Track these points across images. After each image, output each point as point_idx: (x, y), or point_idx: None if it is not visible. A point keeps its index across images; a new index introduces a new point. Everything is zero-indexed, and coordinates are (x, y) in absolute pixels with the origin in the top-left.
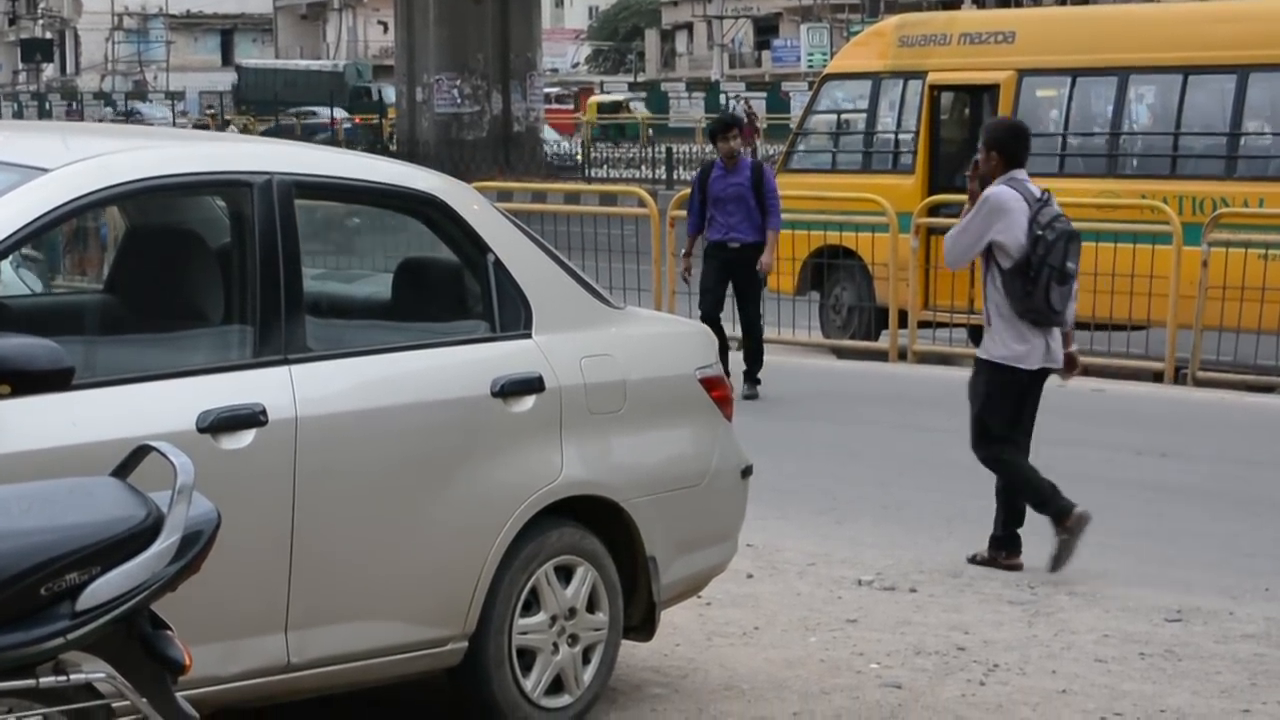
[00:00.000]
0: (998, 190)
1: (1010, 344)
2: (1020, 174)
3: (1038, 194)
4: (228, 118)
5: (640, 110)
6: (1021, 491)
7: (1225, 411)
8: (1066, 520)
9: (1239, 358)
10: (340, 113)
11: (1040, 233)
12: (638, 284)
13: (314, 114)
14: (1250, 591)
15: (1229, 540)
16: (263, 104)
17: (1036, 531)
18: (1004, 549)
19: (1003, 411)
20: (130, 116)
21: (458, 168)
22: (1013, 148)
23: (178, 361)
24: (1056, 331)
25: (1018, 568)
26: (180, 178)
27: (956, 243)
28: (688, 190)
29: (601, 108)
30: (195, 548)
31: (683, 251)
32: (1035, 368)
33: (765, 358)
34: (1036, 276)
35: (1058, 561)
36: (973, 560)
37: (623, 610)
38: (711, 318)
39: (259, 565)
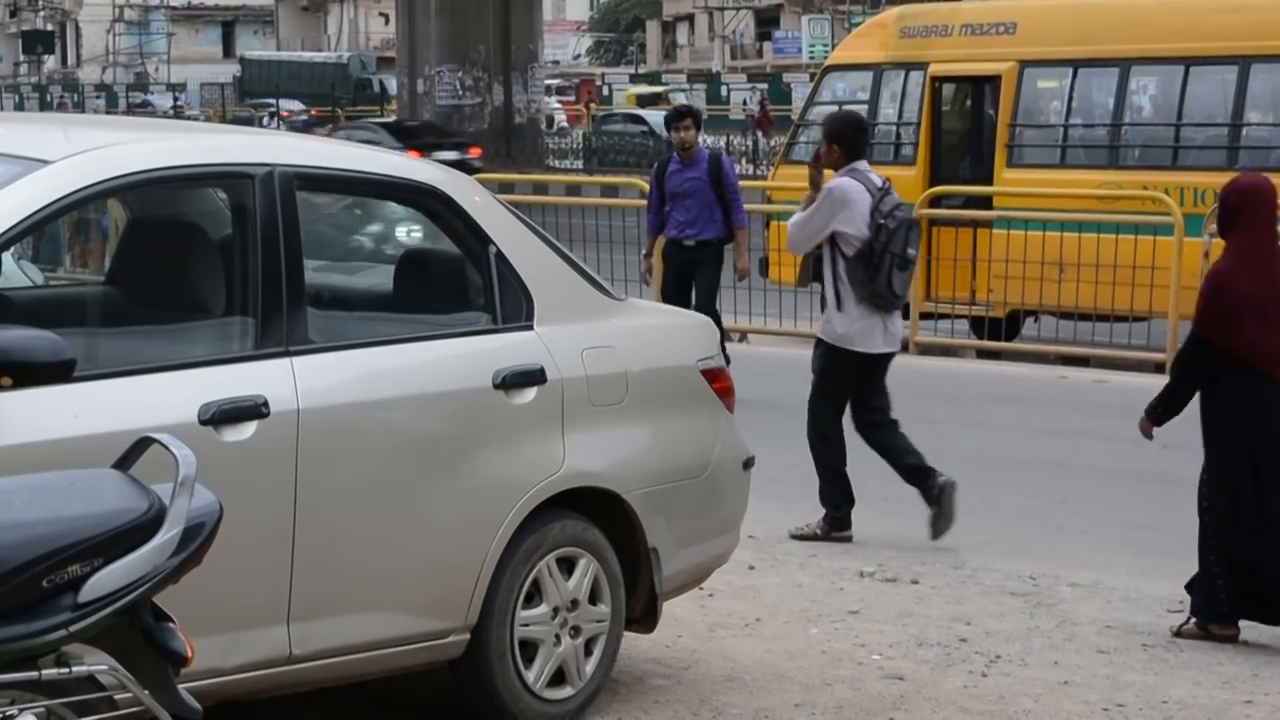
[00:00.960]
0: (840, 182)
1: (851, 326)
2: (861, 165)
3: (879, 183)
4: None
5: (679, 101)
6: (892, 464)
7: None
8: (933, 490)
9: None
10: (296, 104)
11: (882, 221)
12: (639, 275)
13: (269, 104)
14: None
15: None
16: (266, 95)
17: (1032, 519)
18: (836, 525)
19: (838, 391)
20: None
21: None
22: (853, 140)
23: (179, 353)
24: (896, 314)
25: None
26: (181, 169)
27: (800, 232)
28: None
29: (641, 99)
30: (197, 540)
31: (643, 252)
32: (877, 351)
33: (763, 349)
34: (879, 263)
35: (936, 530)
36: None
37: (625, 602)
38: None
39: (261, 557)
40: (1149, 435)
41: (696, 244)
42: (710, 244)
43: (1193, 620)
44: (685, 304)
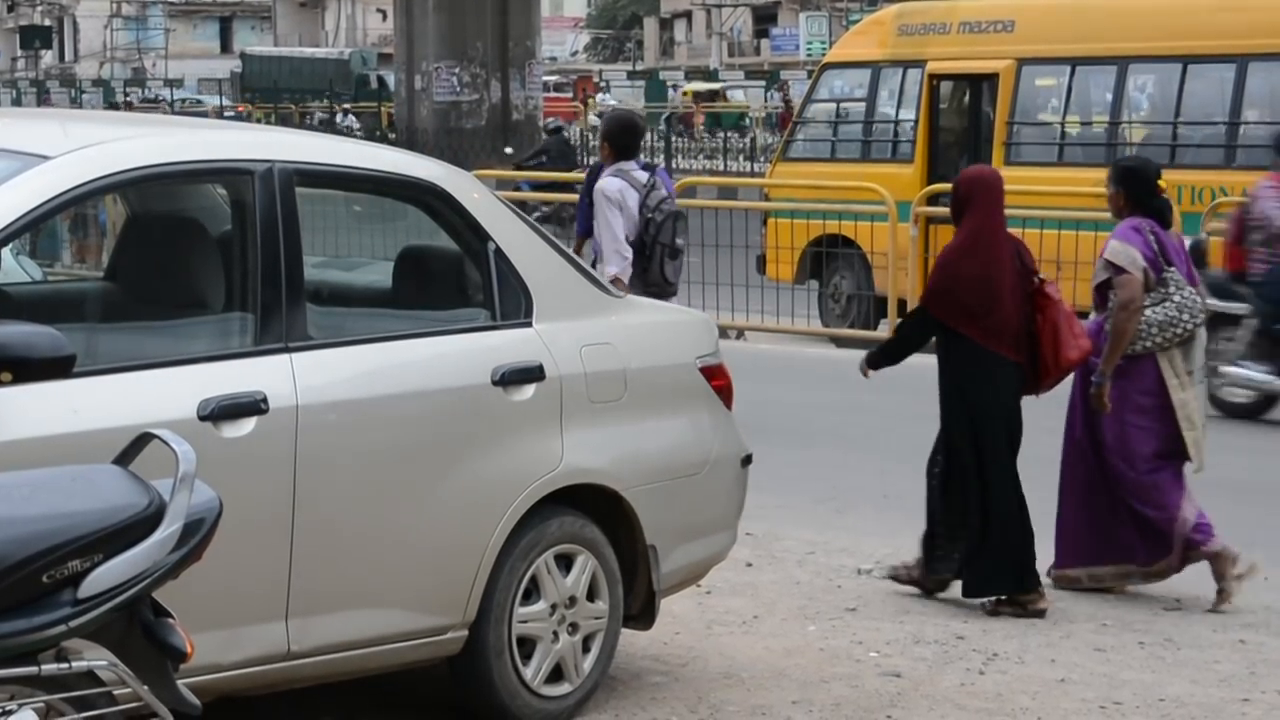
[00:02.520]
0: (605, 183)
1: None
2: (628, 164)
3: (644, 180)
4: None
5: (737, 98)
6: None
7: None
8: None
9: None
10: (214, 101)
11: (650, 215)
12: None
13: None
14: (1248, 581)
15: (1227, 529)
16: (267, 92)
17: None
18: None
19: None
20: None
21: (456, 156)
22: (623, 140)
23: (179, 349)
24: (673, 302)
25: None
26: (181, 165)
27: (613, 247)
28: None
29: (698, 96)
30: (197, 536)
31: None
32: None
33: (760, 346)
34: (651, 254)
35: None
36: None
37: (622, 599)
38: None
39: (260, 553)
40: (865, 374)
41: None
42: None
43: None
44: None
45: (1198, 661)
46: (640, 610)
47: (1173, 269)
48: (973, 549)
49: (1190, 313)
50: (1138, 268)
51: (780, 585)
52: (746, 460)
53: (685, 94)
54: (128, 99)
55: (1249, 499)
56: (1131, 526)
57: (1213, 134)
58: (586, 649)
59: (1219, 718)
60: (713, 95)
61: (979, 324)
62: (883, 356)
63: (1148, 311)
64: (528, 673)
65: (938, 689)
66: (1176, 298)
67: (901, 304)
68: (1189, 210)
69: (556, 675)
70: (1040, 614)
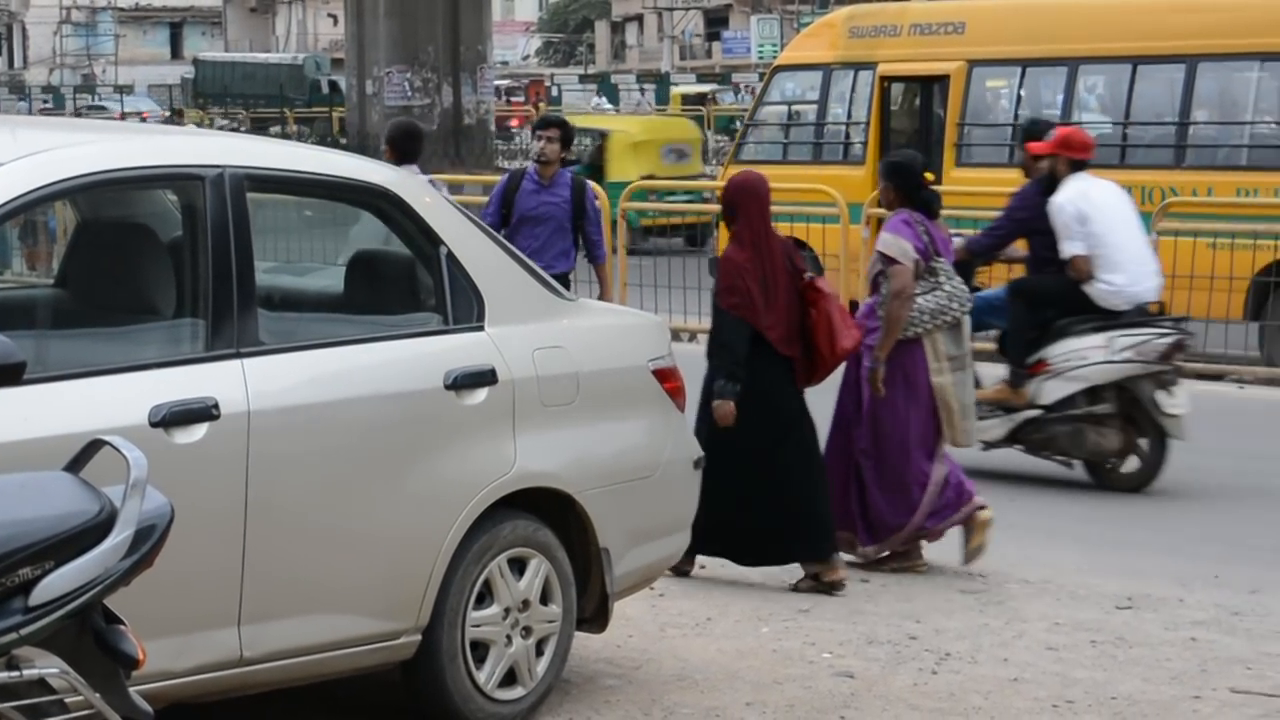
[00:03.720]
0: None
1: None
2: (409, 169)
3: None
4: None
5: (727, 101)
6: None
7: None
8: None
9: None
10: (149, 104)
11: None
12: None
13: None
14: (1200, 579)
15: (1179, 528)
16: (220, 97)
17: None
18: None
19: None
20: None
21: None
22: (404, 146)
23: (130, 356)
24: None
25: None
26: (131, 171)
27: None
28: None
29: (686, 99)
30: (148, 542)
31: None
32: None
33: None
34: None
35: None
36: None
37: (576, 602)
38: None
39: (212, 559)
40: (727, 421)
41: (555, 276)
42: (558, 279)
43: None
44: None
45: (1149, 660)
46: (594, 613)
47: (942, 259)
48: (756, 527)
49: (959, 300)
50: (909, 258)
51: (733, 587)
52: (699, 462)
53: (675, 99)
54: (78, 110)
55: (1200, 498)
56: (895, 494)
57: (1163, 134)
58: (540, 652)
59: (1170, 715)
60: (701, 99)
61: (761, 319)
62: (730, 380)
63: (919, 299)
64: (481, 677)
65: (891, 689)
66: (947, 286)
67: (853, 305)
68: (1140, 210)
69: (510, 679)
70: (837, 586)
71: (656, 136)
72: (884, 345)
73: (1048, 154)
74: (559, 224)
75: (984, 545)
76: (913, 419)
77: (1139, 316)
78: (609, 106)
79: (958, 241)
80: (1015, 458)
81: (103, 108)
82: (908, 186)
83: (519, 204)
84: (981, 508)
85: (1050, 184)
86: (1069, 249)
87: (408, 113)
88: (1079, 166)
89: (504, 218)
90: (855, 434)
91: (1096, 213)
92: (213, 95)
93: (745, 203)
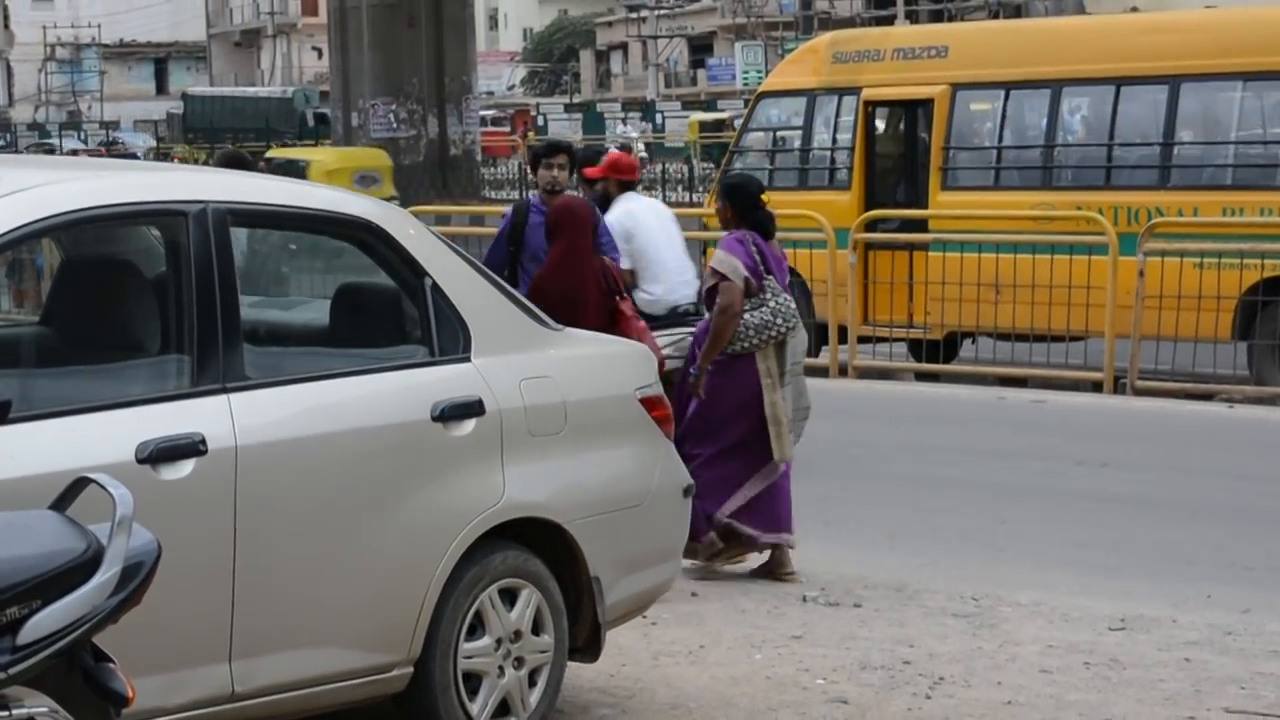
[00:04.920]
0: None
1: None
2: None
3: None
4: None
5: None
6: None
7: (1165, 420)
8: None
9: (1177, 366)
10: (142, 139)
11: None
12: None
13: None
14: (1192, 599)
15: (1171, 549)
16: (210, 132)
17: (973, 540)
18: None
19: None
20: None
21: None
22: (235, 167)
23: (116, 392)
24: None
25: None
26: (114, 208)
27: None
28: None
29: (704, 126)
30: (136, 579)
31: None
32: None
33: None
34: None
35: None
36: None
37: (568, 631)
38: None
39: (201, 595)
40: None
41: None
42: None
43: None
44: None
45: (1143, 681)
46: (586, 643)
47: (771, 277)
48: None
49: (784, 317)
50: (739, 276)
51: (725, 614)
52: (688, 490)
53: (691, 127)
54: (74, 150)
55: (1191, 518)
56: (719, 494)
57: (1147, 155)
58: (533, 683)
59: None
60: (719, 125)
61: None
62: None
63: (747, 315)
64: (474, 708)
65: (885, 714)
66: (772, 303)
67: (842, 330)
68: (1125, 231)
69: (503, 710)
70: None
71: (349, 165)
72: (707, 356)
73: (599, 177)
74: None
75: (795, 575)
76: (743, 429)
77: (673, 318)
78: (634, 134)
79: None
80: (1008, 478)
81: (50, 146)
82: (743, 207)
83: (529, 240)
84: (791, 546)
85: (605, 203)
86: (620, 263)
87: (393, 144)
88: (627, 187)
89: (513, 255)
90: (685, 446)
91: (639, 229)
92: (202, 130)
93: (565, 223)
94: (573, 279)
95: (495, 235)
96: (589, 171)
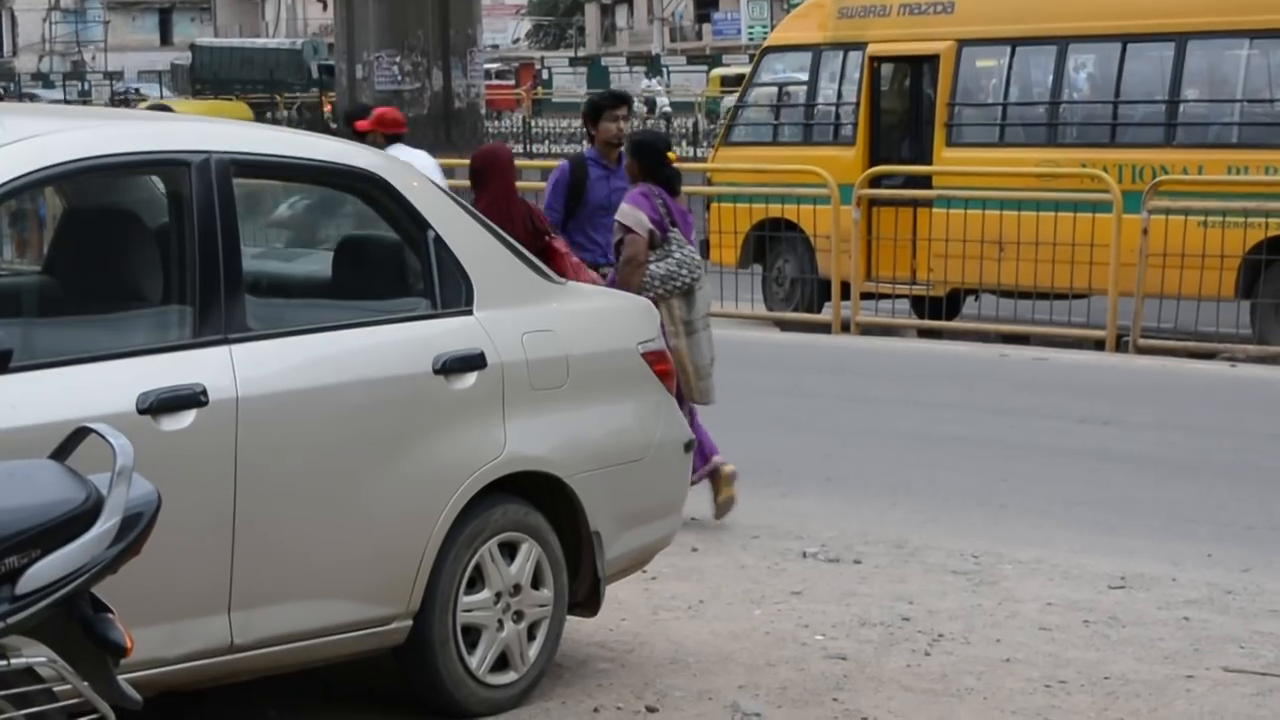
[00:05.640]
0: None
1: None
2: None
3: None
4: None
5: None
6: None
7: (1167, 379)
8: None
9: (1180, 325)
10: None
11: None
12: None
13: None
14: (1192, 558)
15: (1171, 507)
16: (219, 83)
17: (974, 497)
18: None
19: None
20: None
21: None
22: None
23: (117, 343)
24: None
25: None
26: (117, 158)
27: None
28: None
29: (725, 80)
30: (136, 530)
31: None
32: None
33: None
34: None
35: None
36: None
37: (567, 586)
38: None
39: (201, 546)
40: None
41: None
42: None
43: None
44: None
45: (1142, 639)
46: (585, 597)
47: (676, 230)
48: None
49: (688, 268)
50: (644, 228)
51: (725, 569)
52: (689, 445)
53: (713, 81)
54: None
55: (1192, 477)
56: None
57: (1152, 113)
58: (532, 637)
59: (1163, 695)
60: (740, 80)
61: None
62: None
63: (652, 266)
64: (473, 661)
65: (884, 671)
66: (677, 254)
67: (845, 287)
68: (1129, 189)
69: (502, 664)
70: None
71: (211, 115)
72: None
73: (369, 130)
74: None
75: (733, 498)
76: None
77: None
78: (658, 88)
79: None
80: (1010, 435)
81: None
82: (651, 164)
83: (591, 193)
84: (723, 464)
85: None
86: None
87: (398, 97)
88: (394, 139)
89: (569, 209)
90: None
91: None
92: (211, 81)
93: (490, 170)
94: (501, 222)
95: (549, 185)
96: (359, 125)
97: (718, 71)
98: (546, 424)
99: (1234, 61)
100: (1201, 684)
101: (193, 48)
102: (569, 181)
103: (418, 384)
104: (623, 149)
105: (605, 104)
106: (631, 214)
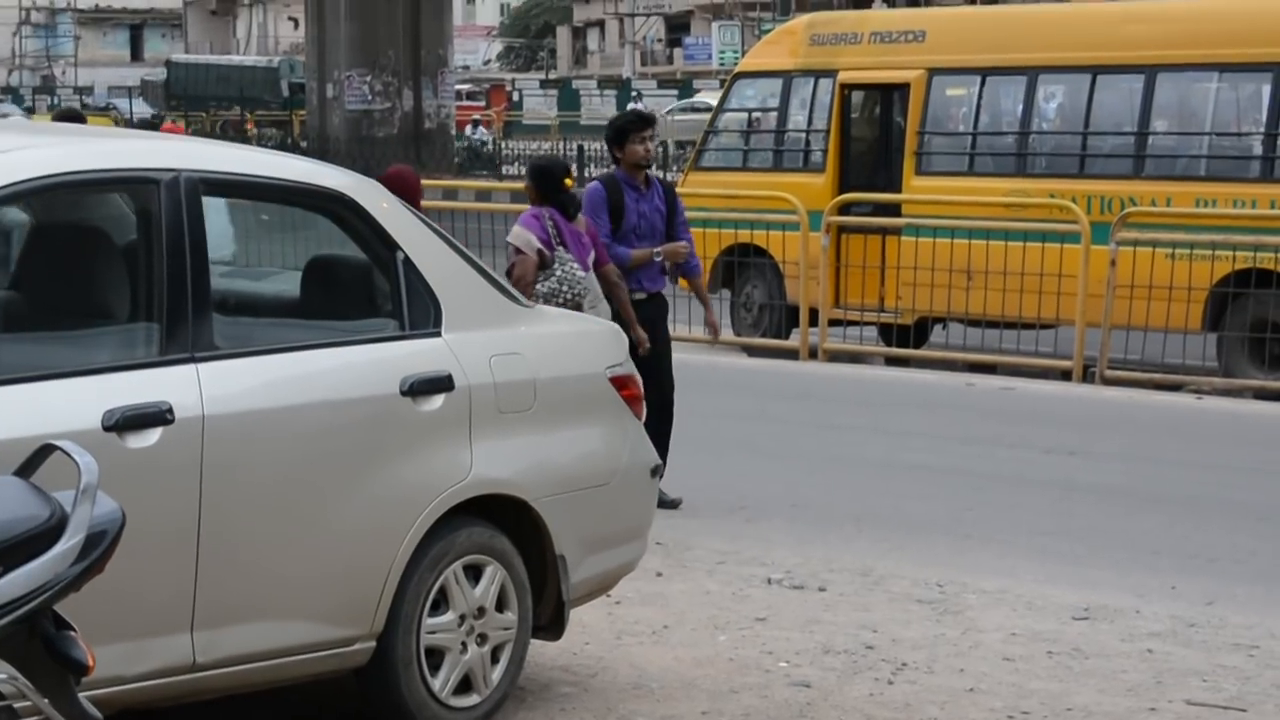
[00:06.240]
0: None
1: None
2: None
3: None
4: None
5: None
6: None
7: (1133, 410)
8: None
9: (1147, 356)
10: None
11: None
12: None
13: None
14: (1156, 590)
15: (1136, 539)
16: (195, 100)
17: (939, 526)
18: None
19: None
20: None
21: (368, 165)
22: (70, 121)
23: (83, 360)
24: None
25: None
26: (86, 174)
27: None
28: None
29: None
30: (99, 548)
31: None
32: None
33: (675, 355)
34: None
35: None
36: None
37: (532, 609)
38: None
39: (165, 565)
40: None
41: (649, 297)
42: (661, 298)
43: None
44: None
45: (1105, 671)
46: (549, 620)
47: (564, 250)
48: None
49: (569, 284)
50: (533, 249)
51: (690, 595)
52: (655, 470)
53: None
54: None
55: (1157, 508)
56: None
57: (1122, 144)
58: (495, 660)
59: None
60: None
61: None
62: None
63: (538, 286)
64: (436, 684)
65: (847, 699)
66: (559, 273)
67: (814, 313)
68: (1098, 220)
69: (465, 686)
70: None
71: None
72: None
73: None
74: (661, 236)
75: None
76: None
77: None
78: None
79: None
80: (976, 464)
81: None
82: (548, 188)
83: (627, 216)
84: None
85: None
86: None
87: (369, 116)
88: None
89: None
90: None
91: None
92: (186, 98)
93: (402, 193)
94: None
95: (589, 207)
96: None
97: (701, 95)
98: (513, 447)
99: (1203, 94)
100: (1164, 717)
101: (169, 64)
102: (606, 202)
103: (385, 405)
104: (618, 172)
105: (631, 126)
106: (521, 235)
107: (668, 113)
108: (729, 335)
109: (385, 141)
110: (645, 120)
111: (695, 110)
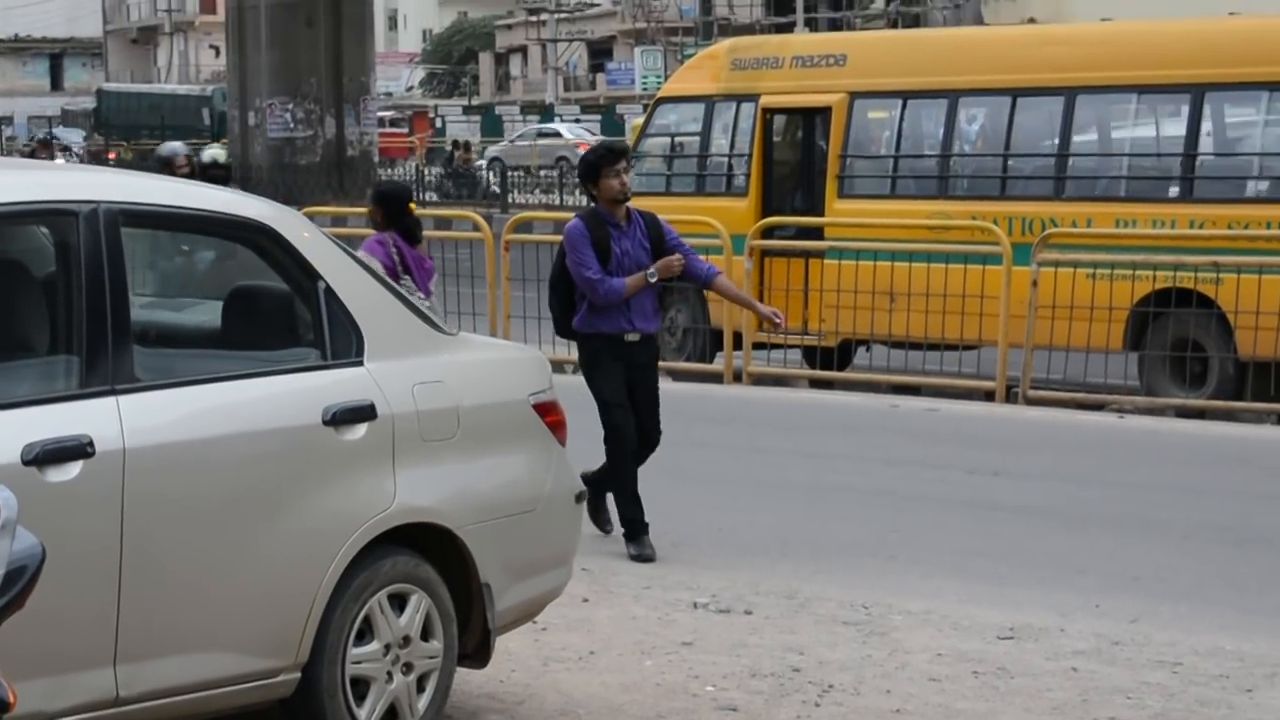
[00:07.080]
0: None
1: None
2: None
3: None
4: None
5: None
6: None
7: (1056, 430)
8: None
9: (1069, 376)
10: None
11: None
12: (472, 308)
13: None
14: (1081, 609)
15: (1060, 558)
16: (126, 129)
17: (864, 548)
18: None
19: None
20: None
21: (291, 192)
22: None
23: (2, 393)
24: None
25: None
26: (3, 207)
27: None
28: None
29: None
30: (19, 584)
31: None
32: None
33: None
34: None
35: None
36: None
37: (457, 637)
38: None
39: (87, 599)
40: None
41: (642, 340)
42: (654, 339)
43: None
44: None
45: (1031, 690)
46: (475, 648)
47: (407, 277)
48: None
49: None
50: None
51: (616, 620)
52: (580, 496)
53: (635, 127)
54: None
55: (1081, 527)
56: None
57: (1042, 166)
58: (421, 689)
59: None
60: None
61: None
62: None
63: None
64: (361, 714)
65: None
66: None
67: (737, 336)
68: (1019, 241)
69: (391, 715)
70: None
71: None
72: None
73: None
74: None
75: None
76: None
77: None
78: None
79: None
80: (901, 486)
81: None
82: (393, 213)
83: (613, 249)
84: None
85: None
86: None
87: (291, 144)
88: None
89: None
90: None
91: None
92: (117, 127)
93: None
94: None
95: (571, 245)
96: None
97: (637, 120)
98: (437, 475)
99: (1122, 115)
100: None
101: (99, 93)
102: (591, 240)
103: (307, 435)
104: (599, 208)
105: (603, 161)
106: (366, 260)
107: (519, 138)
108: None
109: (308, 169)
110: (615, 153)
111: (543, 136)
